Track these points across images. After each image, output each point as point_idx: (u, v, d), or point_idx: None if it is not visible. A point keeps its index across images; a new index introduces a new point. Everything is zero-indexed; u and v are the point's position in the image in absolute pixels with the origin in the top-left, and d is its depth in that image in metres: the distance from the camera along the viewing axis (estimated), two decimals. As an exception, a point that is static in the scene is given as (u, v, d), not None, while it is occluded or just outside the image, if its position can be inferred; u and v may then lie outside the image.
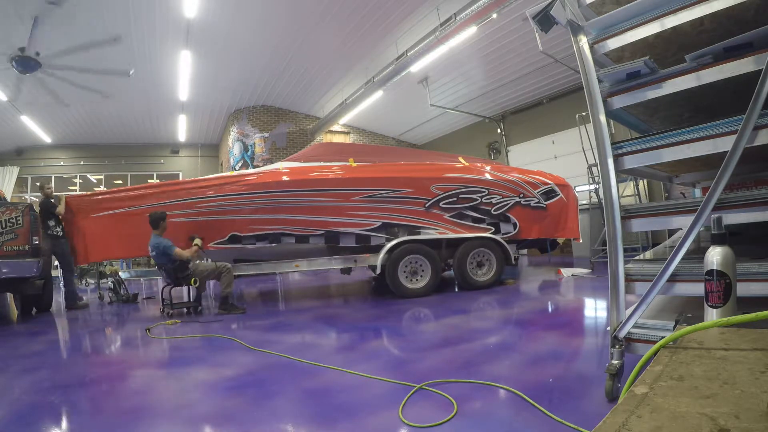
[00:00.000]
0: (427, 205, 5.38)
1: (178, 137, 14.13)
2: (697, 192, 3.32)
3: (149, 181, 14.93)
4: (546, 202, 5.90)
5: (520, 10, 6.50)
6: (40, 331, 4.51)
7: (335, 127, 13.02)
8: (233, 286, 5.13)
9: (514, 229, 5.68)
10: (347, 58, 9.45)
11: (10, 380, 2.76)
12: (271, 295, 6.62)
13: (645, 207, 1.93)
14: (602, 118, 1.91)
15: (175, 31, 7.88)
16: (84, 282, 8.50)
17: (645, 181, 8.03)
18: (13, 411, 2.21)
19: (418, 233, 5.33)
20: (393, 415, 1.90)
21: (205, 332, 3.93)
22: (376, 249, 5.21)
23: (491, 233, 5.52)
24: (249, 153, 12.17)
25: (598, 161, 1.99)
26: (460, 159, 6.25)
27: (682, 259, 1.68)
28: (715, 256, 1.36)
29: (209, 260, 5.50)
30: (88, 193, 6.49)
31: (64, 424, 2.09)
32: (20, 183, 13.48)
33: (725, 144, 1.59)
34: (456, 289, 5.62)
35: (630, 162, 1.90)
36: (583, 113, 6.91)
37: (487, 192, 5.59)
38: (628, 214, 1.92)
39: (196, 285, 4.98)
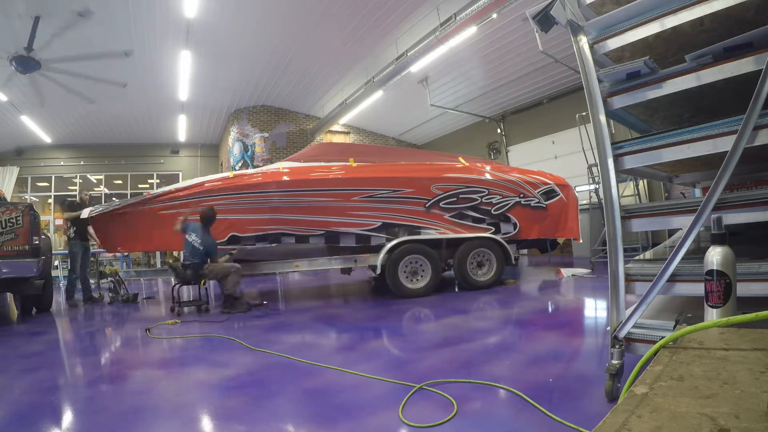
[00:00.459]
0: (427, 205, 5.38)
1: (178, 137, 14.12)
2: (697, 192, 3.32)
3: (149, 181, 14.96)
4: (546, 202, 5.90)
5: (520, 10, 6.49)
6: (40, 331, 4.51)
7: (335, 127, 13.01)
8: (239, 286, 5.16)
9: (515, 229, 5.68)
10: (347, 58, 9.44)
11: (10, 380, 2.76)
12: (271, 295, 6.61)
13: (645, 207, 1.93)
14: (602, 118, 1.91)
15: (175, 31, 7.88)
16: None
17: (645, 181, 8.03)
18: (13, 411, 2.21)
19: (419, 233, 5.33)
20: (393, 415, 1.90)
21: (205, 332, 3.93)
22: (377, 249, 5.21)
23: (491, 233, 5.52)
24: (249, 153, 12.16)
25: (598, 161, 1.99)
26: (460, 159, 6.25)
27: (682, 259, 1.68)
28: (715, 256, 1.36)
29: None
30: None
31: (64, 424, 2.09)
32: (20, 183, 13.47)
33: (725, 144, 1.59)
34: (456, 289, 5.62)
35: (630, 162, 1.91)
36: (583, 113, 6.90)
37: (487, 192, 5.59)
38: (628, 214, 1.92)
39: (205, 285, 5.04)
